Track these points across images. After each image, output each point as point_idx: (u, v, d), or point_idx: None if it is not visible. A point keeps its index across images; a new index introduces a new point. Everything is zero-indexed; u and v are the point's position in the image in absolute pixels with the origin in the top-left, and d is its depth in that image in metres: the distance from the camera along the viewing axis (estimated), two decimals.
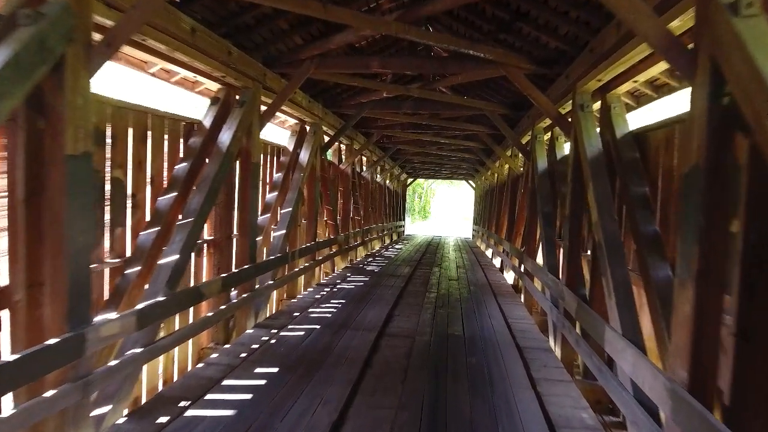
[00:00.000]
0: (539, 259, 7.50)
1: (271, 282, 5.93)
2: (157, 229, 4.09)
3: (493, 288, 8.08)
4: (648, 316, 3.36)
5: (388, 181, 17.61)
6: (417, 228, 34.88)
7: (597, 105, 4.70)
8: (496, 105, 7.62)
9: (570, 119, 4.87)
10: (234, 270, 5.00)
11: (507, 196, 10.64)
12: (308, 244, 7.52)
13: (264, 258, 6.13)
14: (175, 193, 4.31)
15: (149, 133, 4.27)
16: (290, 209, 6.60)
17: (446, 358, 4.45)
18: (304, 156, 7.30)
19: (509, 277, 9.51)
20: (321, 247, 8.22)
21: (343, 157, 10.37)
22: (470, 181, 23.89)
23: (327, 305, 6.28)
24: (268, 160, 7.03)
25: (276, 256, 6.03)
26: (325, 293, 7.07)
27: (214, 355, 4.39)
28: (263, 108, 5.54)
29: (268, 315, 6.48)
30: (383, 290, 7.38)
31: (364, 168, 12.94)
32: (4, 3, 2.53)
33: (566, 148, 6.94)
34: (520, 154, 10.17)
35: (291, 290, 7.71)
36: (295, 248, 7.04)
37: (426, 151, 13.91)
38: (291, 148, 7.41)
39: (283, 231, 6.36)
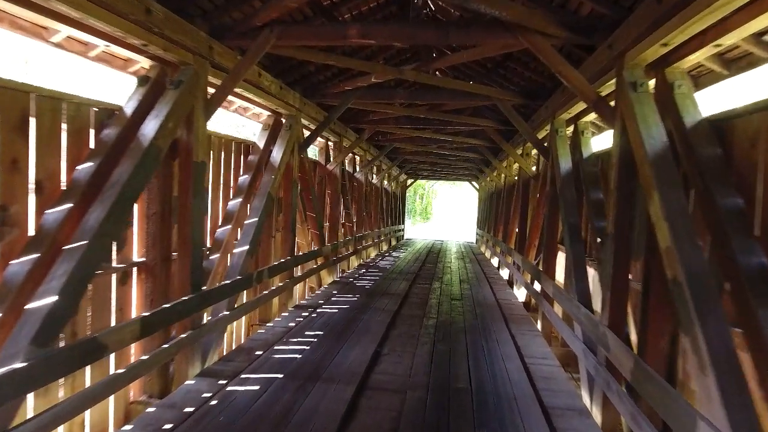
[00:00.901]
0: (558, 275, 6.28)
1: (227, 313, 4.71)
2: (35, 256, 2.88)
3: (503, 310, 6.84)
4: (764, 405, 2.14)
5: (385, 183, 16.37)
6: (418, 230, 33.63)
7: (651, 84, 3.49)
8: (508, 93, 6.39)
9: (614, 103, 3.65)
10: (166, 304, 3.77)
11: (517, 201, 9.39)
12: (281, 261, 6.29)
13: (219, 282, 4.91)
14: (69, 205, 3.10)
15: (32, 120, 3.06)
16: (256, 219, 5.38)
17: (447, 429, 3.23)
18: (277, 154, 6.07)
19: (520, 294, 8.27)
20: (300, 262, 6.99)
21: (331, 156, 9.14)
22: (473, 183, 22.62)
23: (299, 339, 5.05)
24: (233, 159, 5.81)
25: (234, 279, 4.80)
26: (301, 320, 5.84)
27: (127, 428, 3.16)
28: (212, 92, 4.33)
29: (226, 351, 5.29)
30: (372, 315, 6.14)
31: (358, 168, 11.71)
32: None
33: (593, 144, 5.72)
34: (533, 152, 8.94)
35: (264, 313, 6.49)
36: (265, 266, 5.81)
37: (426, 149, 12.65)
38: (262, 144, 6.19)
39: (246, 247, 5.13)
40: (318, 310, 6.32)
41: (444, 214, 49.39)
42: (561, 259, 6.30)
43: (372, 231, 13.32)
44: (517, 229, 9.56)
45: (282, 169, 6.06)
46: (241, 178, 5.81)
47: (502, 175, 12.53)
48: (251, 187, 5.78)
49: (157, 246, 4.11)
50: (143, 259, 4.10)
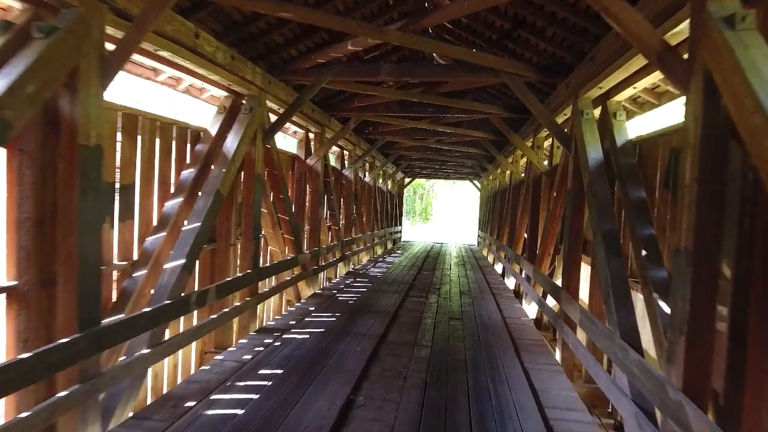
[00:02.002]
0: (582, 292, 5.08)
1: (146, 351, 3.50)
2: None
3: (512, 334, 5.63)
4: None
5: (380, 181, 15.16)
6: (417, 232, 32.39)
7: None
8: (519, 65, 5.16)
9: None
10: (42, 347, 2.56)
11: (526, 201, 8.18)
12: (237, 276, 5.09)
13: (139, 309, 3.72)
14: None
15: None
16: (197, 224, 4.17)
17: None
18: (232, 143, 4.86)
19: (530, 309, 7.07)
20: (266, 276, 5.79)
21: (312, 149, 7.94)
22: (475, 182, 21.35)
23: (249, 383, 3.84)
24: (174, 148, 4.62)
25: (158, 305, 3.60)
26: (261, 350, 4.64)
27: None
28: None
29: (157, 396, 4.12)
30: (350, 344, 4.93)
31: (347, 165, 10.51)
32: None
33: (630, 128, 4.52)
34: (545, 144, 7.74)
35: (221, 339, 5.31)
36: (219, 281, 4.60)
37: (423, 143, 11.43)
38: (215, 131, 4.99)
39: (180, 261, 3.93)
40: (285, 336, 5.11)
41: (444, 215, 48.09)
42: (584, 271, 5.10)
43: (363, 234, 12.11)
44: (525, 234, 8.35)
45: (237, 161, 4.86)
46: (183, 173, 4.61)
47: (507, 172, 11.32)
48: (197, 184, 4.59)
49: (32, 264, 2.92)
50: (14, 282, 2.90)
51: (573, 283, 4.98)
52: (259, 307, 6.69)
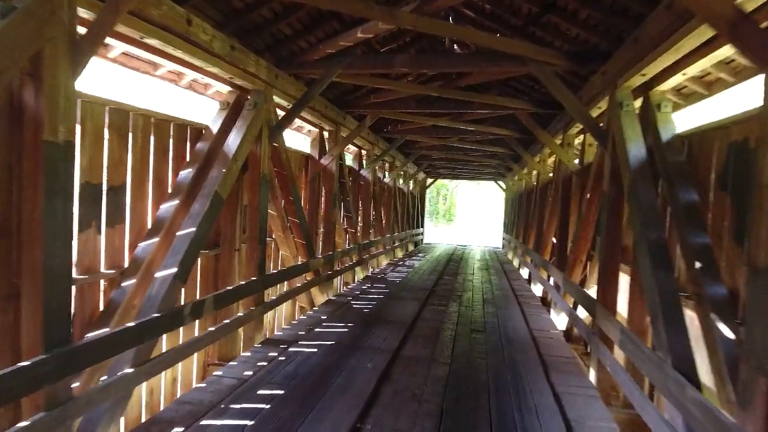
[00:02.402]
0: (619, 305, 4.54)
1: (130, 371, 3.16)
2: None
3: (540, 349, 5.10)
4: None
5: (401, 182, 14.71)
6: (440, 233, 31.74)
7: None
8: (548, 53, 4.65)
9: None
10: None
11: (555, 203, 7.62)
12: (241, 284, 4.73)
13: (127, 322, 3.38)
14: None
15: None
16: (192, 229, 3.82)
17: None
18: (234, 141, 4.51)
19: (559, 320, 6.52)
20: (272, 283, 5.43)
21: (327, 148, 7.56)
22: (499, 182, 20.58)
23: (244, 406, 3.46)
24: (171, 146, 4.30)
25: (145, 319, 3.25)
26: (264, 365, 4.26)
27: None
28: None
29: (146, 417, 3.81)
30: (361, 359, 4.48)
31: (365, 165, 10.11)
32: None
33: (675, 122, 3.98)
34: (576, 142, 7.19)
35: (225, 350, 4.98)
36: (209, 294, 4.24)
37: (444, 142, 10.93)
38: (217, 128, 4.66)
39: (172, 270, 3.58)
40: (291, 349, 4.73)
41: (468, 216, 47.21)
42: (623, 281, 4.56)
43: (382, 237, 11.68)
44: (554, 239, 7.79)
45: (240, 160, 4.50)
46: (181, 174, 4.28)
47: (534, 172, 10.74)
48: (196, 186, 4.25)
49: None
50: None
51: (610, 295, 4.45)
52: (269, 314, 6.37)
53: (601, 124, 4.72)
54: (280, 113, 5.57)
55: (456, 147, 11.96)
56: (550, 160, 9.24)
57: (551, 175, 8.51)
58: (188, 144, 4.50)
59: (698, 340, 3.06)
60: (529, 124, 7.18)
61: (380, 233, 11.61)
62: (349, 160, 10.24)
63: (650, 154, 3.87)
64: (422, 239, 19.91)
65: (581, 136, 6.81)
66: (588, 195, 5.38)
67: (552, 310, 7.06)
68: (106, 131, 3.52)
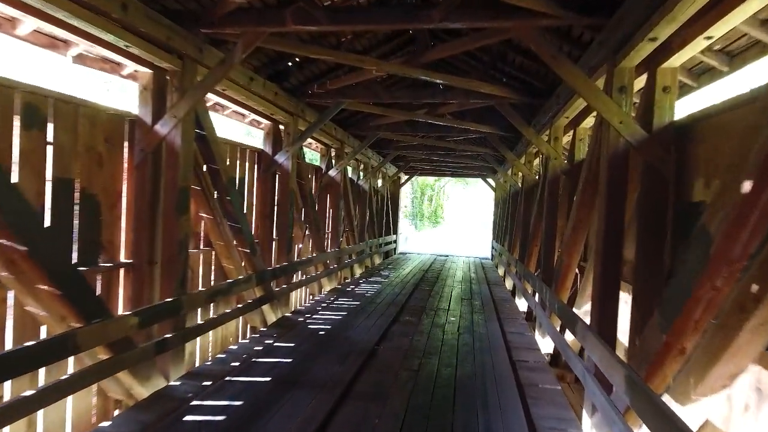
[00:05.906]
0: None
1: None
2: None
3: None
4: None
5: (360, 177, 11.54)
6: (422, 239, 29.49)
7: None
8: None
9: None
10: None
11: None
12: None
13: None
14: None
15: None
16: None
17: None
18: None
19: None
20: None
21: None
22: (489, 180, 17.31)
23: None
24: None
25: None
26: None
27: None
28: None
29: None
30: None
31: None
32: None
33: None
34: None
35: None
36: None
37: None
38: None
39: None
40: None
41: (457, 219, 45.02)
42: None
43: (335, 250, 9.25)
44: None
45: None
46: None
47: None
48: None
49: None
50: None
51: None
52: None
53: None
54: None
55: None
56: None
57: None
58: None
59: None
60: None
61: (320, 248, 8.18)
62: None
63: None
64: (395, 249, 17.01)
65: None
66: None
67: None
68: None
